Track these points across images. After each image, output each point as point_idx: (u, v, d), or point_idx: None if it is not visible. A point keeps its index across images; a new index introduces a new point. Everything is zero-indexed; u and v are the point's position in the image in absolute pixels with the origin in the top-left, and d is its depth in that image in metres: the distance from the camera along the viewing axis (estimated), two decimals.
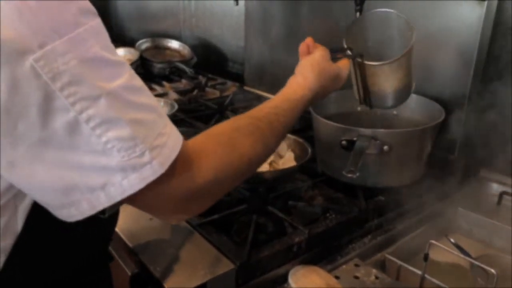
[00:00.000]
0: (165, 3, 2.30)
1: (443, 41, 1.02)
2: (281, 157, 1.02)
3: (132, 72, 0.46)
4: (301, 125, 1.33)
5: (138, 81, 0.46)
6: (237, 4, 1.30)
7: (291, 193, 0.92)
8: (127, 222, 0.82)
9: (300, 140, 1.03)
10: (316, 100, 0.76)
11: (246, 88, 1.69)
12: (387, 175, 0.90)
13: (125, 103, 0.42)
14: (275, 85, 1.53)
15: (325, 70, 0.76)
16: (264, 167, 0.95)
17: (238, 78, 1.84)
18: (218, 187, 0.53)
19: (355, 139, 0.84)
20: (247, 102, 1.58)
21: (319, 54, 0.78)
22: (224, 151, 0.53)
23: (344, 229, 0.83)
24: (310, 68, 0.76)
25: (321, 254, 0.78)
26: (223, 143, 0.54)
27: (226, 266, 0.68)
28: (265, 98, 1.59)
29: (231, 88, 1.76)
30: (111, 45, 0.46)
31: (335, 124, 0.89)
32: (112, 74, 0.43)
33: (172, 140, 0.46)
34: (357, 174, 0.75)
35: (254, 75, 1.66)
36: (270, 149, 0.63)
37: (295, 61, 1.45)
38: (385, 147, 0.84)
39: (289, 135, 1.03)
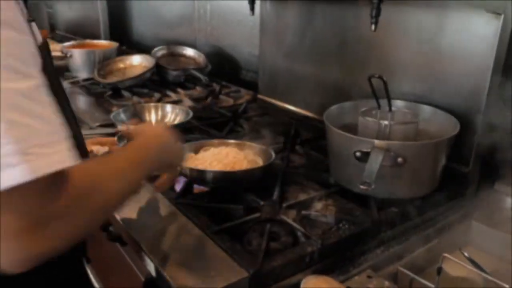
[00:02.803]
0: (180, 12, 2.34)
1: (458, 54, 1.02)
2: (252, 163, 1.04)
3: (43, 88, 0.48)
4: (313, 134, 1.35)
5: (46, 96, 0.48)
6: (252, 14, 1.31)
7: (304, 203, 0.93)
8: (141, 227, 0.83)
9: (264, 147, 1.08)
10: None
11: (259, 96, 1.70)
12: (400, 187, 0.90)
13: (11, 105, 0.43)
14: (289, 94, 1.56)
15: None
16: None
17: (252, 87, 1.85)
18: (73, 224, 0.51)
19: (369, 150, 0.84)
20: (261, 110, 1.59)
21: None
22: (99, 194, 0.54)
23: (357, 240, 0.83)
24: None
25: (334, 264, 0.79)
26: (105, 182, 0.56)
27: (239, 274, 0.69)
28: (279, 107, 1.60)
29: (245, 96, 1.78)
30: (25, 58, 0.47)
31: (349, 135, 0.90)
32: (10, 78, 0.44)
33: (58, 157, 0.46)
34: (373, 186, 0.75)
35: (268, 84, 1.67)
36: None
37: (309, 70, 1.47)
38: (400, 159, 0.85)
39: (254, 145, 1.09)
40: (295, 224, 0.83)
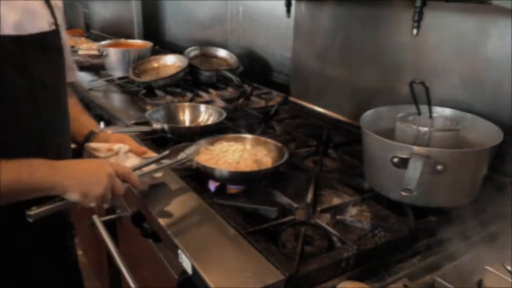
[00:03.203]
0: (212, 12, 2.36)
1: (501, 59, 0.99)
2: (258, 162, 1.04)
3: None
4: (346, 139, 1.33)
5: None
6: (289, 16, 1.31)
7: (338, 207, 0.92)
8: (177, 225, 0.85)
9: (279, 145, 1.08)
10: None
11: (291, 99, 1.70)
12: (439, 195, 0.88)
13: None
14: (321, 97, 1.56)
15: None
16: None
17: (283, 89, 1.86)
18: None
19: (407, 157, 0.83)
20: (292, 113, 1.59)
21: None
22: None
23: (393, 248, 0.81)
24: None
25: (369, 271, 0.77)
26: None
27: (276, 276, 0.69)
28: (310, 110, 1.60)
29: (276, 98, 1.78)
30: None
31: (387, 140, 0.88)
32: None
33: None
34: (414, 193, 0.73)
35: (300, 87, 1.66)
36: None
37: (343, 74, 1.46)
38: (439, 167, 0.83)
39: (270, 141, 1.10)
40: (330, 229, 0.82)
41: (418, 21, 0.87)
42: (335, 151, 1.23)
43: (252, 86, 1.88)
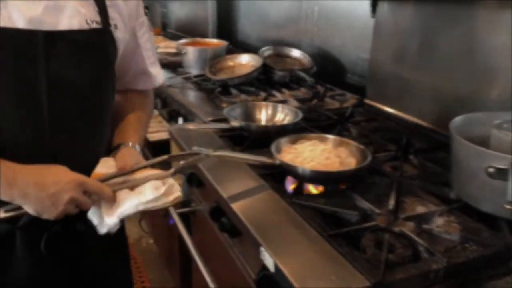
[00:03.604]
0: (286, 12, 2.36)
1: None
2: (343, 163, 1.02)
3: None
4: (428, 145, 1.28)
5: None
6: (373, 16, 1.28)
7: (423, 216, 0.88)
8: (258, 222, 0.86)
9: (359, 145, 1.06)
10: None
11: (366, 101, 1.65)
12: None
13: None
14: (400, 100, 1.50)
15: None
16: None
17: (357, 90, 1.81)
18: None
19: (506, 167, 0.77)
20: (368, 115, 1.55)
21: None
22: None
23: (486, 264, 0.76)
24: None
25: (459, 286, 0.74)
26: None
27: (361, 282, 0.68)
28: (388, 113, 1.55)
29: (350, 100, 1.74)
30: None
31: (482, 149, 0.83)
32: None
33: None
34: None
35: (377, 89, 1.62)
36: None
37: (426, 77, 1.40)
38: None
39: (352, 143, 1.08)
40: (416, 238, 0.79)
41: None
42: (416, 157, 1.18)
43: (326, 87, 1.85)
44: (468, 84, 1.25)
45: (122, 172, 0.85)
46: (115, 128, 0.99)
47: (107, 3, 0.86)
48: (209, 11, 2.89)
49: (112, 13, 0.87)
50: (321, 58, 2.07)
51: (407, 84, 1.47)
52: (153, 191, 0.81)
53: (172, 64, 2.27)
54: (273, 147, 1.05)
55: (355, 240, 0.82)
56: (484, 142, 0.92)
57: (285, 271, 0.70)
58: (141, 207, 0.80)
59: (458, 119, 0.98)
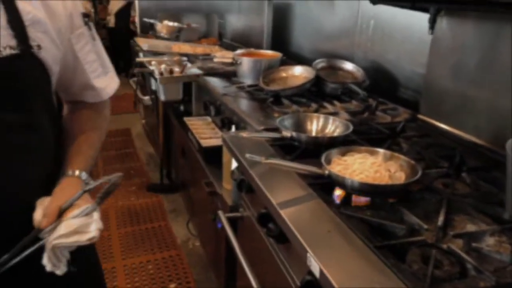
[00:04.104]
0: (341, 26, 2.38)
1: None
2: (392, 177, 1.03)
3: None
4: (482, 163, 1.25)
5: None
6: (431, 33, 1.28)
7: (473, 234, 0.87)
8: (305, 230, 0.89)
9: (410, 160, 1.06)
10: None
11: (420, 116, 1.64)
12: None
13: None
14: (456, 117, 1.48)
15: None
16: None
17: (409, 105, 1.80)
18: None
19: None
20: (421, 131, 1.53)
21: None
22: None
23: None
24: None
25: None
26: None
27: None
28: (442, 130, 1.52)
29: (403, 114, 1.73)
30: None
31: None
32: None
33: None
34: None
35: (431, 104, 1.60)
36: None
37: (484, 94, 1.37)
38: None
39: (402, 157, 1.09)
40: (464, 255, 0.79)
41: None
42: (468, 175, 1.16)
43: (378, 101, 1.85)
44: None
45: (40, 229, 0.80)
46: (65, 149, 0.94)
47: (26, 23, 0.79)
48: (264, 23, 2.97)
49: (33, 33, 0.80)
50: (375, 71, 2.07)
51: (463, 100, 1.44)
52: (65, 228, 0.79)
53: (227, 73, 2.36)
54: (323, 158, 1.08)
55: (401, 253, 0.83)
56: None
57: (330, 277, 0.73)
58: (51, 244, 0.78)
59: None
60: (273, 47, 2.90)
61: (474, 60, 1.39)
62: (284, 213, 0.96)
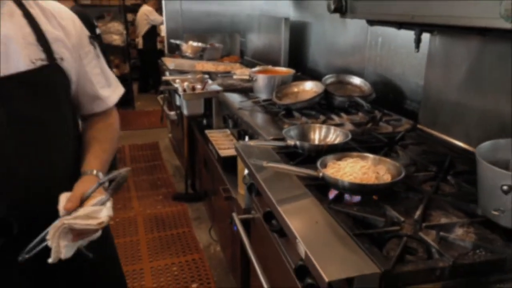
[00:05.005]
0: (353, 42, 2.53)
1: None
2: (379, 178, 1.16)
3: None
4: (469, 167, 1.36)
5: None
6: (417, 51, 1.42)
7: (445, 226, 1.00)
8: (298, 222, 1.04)
9: (396, 163, 1.19)
10: None
11: (419, 126, 1.76)
12: None
13: None
14: (450, 126, 1.60)
15: None
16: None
17: (413, 116, 1.92)
18: None
19: None
20: (419, 140, 1.66)
21: None
22: None
23: (493, 268, 0.87)
24: None
25: (466, 286, 0.85)
26: None
27: (372, 269, 0.83)
28: (438, 138, 1.64)
29: (405, 125, 1.86)
30: None
31: (497, 169, 0.94)
32: None
33: None
34: (504, 213, 0.80)
35: (429, 115, 1.72)
36: None
37: (473, 105, 1.49)
38: None
39: (389, 160, 1.23)
40: (431, 242, 0.92)
41: None
42: (454, 177, 1.28)
43: (383, 112, 1.98)
44: (510, 112, 1.32)
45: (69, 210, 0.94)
46: (82, 154, 1.10)
47: (50, 40, 0.99)
48: (282, 41, 3.15)
49: (56, 48, 1.00)
50: (383, 85, 2.21)
51: (456, 111, 1.56)
52: (80, 211, 0.93)
53: (245, 89, 2.54)
54: (318, 162, 1.23)
55: (380, 242, 0.97)
56: (507, 165, 1.02)
57: (313, 258, 0.88)
58: (68, 222, 0.91)
59: (485, 145, 1.08)
60: (290, 64, 3.08)
61: (464, 74, 1.52)
62: (281, 209, 1.11)
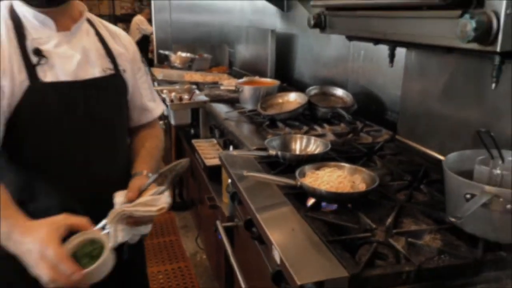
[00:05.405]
0: (336, 54, 2.60)
1: None
2: (354, 187, 1.22)
3: None
4: (442, 177, 1.42)
5: None
6: (391, 66, 1.48)
7: (413, 232, 1.05)
8: (275, 229, 1.08)
9: (371, 173, 1.26)
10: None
11: (397, 137, 1.82)
12: (510, 233, 0.95)
13: None
14: (426, 137, 1.67)
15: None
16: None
17: (394, 127, 1.98)
18: None
19: (477, 194, 0.94)
20: (396, 150, 1.72)
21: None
22: None
23: (456, 273, 0.92)
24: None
25: None
26: None
27: (341, 273, 0.87)
28: (415, 149, 1.71)
29: (384, 135, 1.92)
30: None
31: (462, 178, 1.00)
32: None
33: None
34: (462, 220, 0.85)
35: (406, 126, 1.79)
36: None
37: (446, 117, 1.55)
38: (508, 206, 0.92)
39: (365, 170, 1.28)
40: (399, 248, 0.97)
41: (497, 77, 0.98)
42: (427, 187, 1.34)
43: (364, 123, 2.05)
44: (480, 124, 1.39)
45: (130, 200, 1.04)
46: (133, 162, 1.23)
47: (115, 54, 1.19)
48: (268, 52, 3.22)
49: (120, 61, 1.19)
50: (365, 96, 2.27)
51: (431, 122, 1.63)
52: (140, 199, 1.03)
53: (231, 100, 2.60)
54: (297, 172, 1.28)
55: (352, 248, 1.02)
56: (472, 174, 1.08)
57: (286, 263, 0.92)
58: (128, 209, 0.99)
59: (452, 155, 1.15)
60: (277, 75, 3.14)
61: (438, 87, 1.59)
62: (260, 217, 1.15)
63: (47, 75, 1.04)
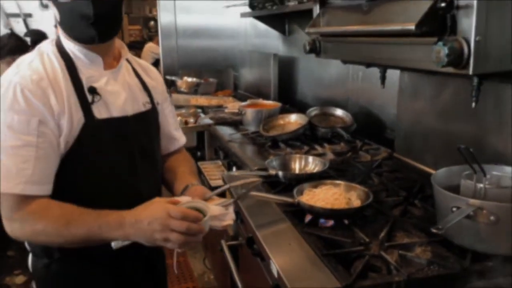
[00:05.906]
0: (337, 76, 2.69)
1: None
2: (350, 204, 1.28)
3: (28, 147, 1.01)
4: None
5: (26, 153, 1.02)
6: (383, 87, 1.56)
7: (405, 245, 1.10)
8: (274, 246, 1.14)
9: (365, 189, 1.32)
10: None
11: (395, 155, 1.88)
12: (495, 243, 1.00)
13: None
14: (422, 154, 1.72)
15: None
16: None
17: (392, 145, 2.04)
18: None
19: (462, 207, 0.99)
20: (394, 167, 1.77)
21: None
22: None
23: (445, 282, 0.97)
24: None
25: None
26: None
27: (334, 284, 0.93)
28: (412, 166, 1.76)
29: (383, 153, 1.98)
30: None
31: (448, 193, 1.06)
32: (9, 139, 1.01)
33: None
34: (443, 231, 0.91)
35: (403, 144, 1.85)
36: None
37: (439, 135, 1.61)
38: (492, 218, 0.97)
39: (359, 187, 1.34)
40: (390, 260, 1.02)
41: (476, 96, 1.04)
42: (421, 201, 1.39)
43: (363, 142, 2.11)
44: (470, 139, 1.45)
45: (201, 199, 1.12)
46: (171, 181, 1.31)
47: (150, 88, 1.26)
48: (271, 75, 3.32)
49: (154, 94, 1.27)
50: (365, 115, 2.34)
51: (425, 140, 1.69)
52: (211, 212, 1.05)
53: (235, 122, 2.68)
54: (295, 190, 1.34)
55: (347, 262, 1.07)
56: (459, 189, 1.14)
57: (283, 276, 0.98)
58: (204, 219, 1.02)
59: (441, 171, 1.21)
60: (280, 96, 3.23)
61: (430, 106, 1.65)
62: (259, 234, 1.22)
63: (101, 112, 1.10)
